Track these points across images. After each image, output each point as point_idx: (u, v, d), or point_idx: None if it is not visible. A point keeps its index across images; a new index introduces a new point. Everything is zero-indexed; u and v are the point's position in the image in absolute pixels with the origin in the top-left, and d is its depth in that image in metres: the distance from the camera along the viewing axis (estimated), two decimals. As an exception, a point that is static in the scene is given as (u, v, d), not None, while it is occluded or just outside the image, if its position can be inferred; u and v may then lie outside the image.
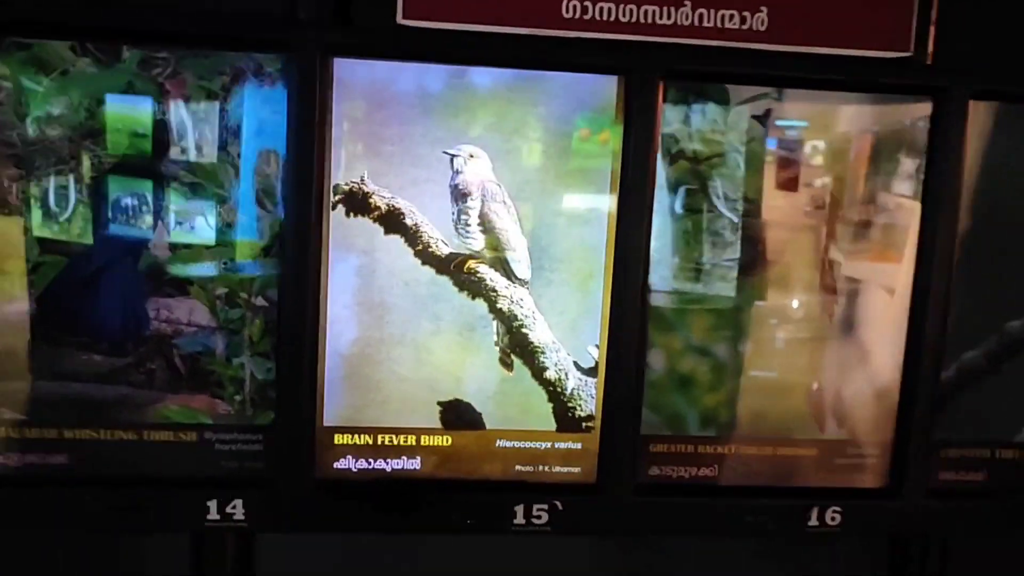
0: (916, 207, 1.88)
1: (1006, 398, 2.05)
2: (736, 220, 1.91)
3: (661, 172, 1.85)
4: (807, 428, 1.98)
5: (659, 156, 1.81)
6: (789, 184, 1.93)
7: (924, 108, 1.86)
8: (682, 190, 1.89)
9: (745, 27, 1.83)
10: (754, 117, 1.88)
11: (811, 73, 1.86)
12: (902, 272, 1.91)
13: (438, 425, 1.83)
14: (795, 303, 1.97)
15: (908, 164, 1.85)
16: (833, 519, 1.98)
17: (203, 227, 1.71)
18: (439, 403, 1.82)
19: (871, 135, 1.84)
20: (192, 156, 1.68)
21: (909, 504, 2.00)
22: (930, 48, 1.93)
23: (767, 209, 1.92)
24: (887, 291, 1.99)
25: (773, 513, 1.97)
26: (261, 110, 1.69)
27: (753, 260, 1.93)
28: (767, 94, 1.87)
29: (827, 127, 1.90)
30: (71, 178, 1.65)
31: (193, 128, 1.67)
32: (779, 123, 1.90)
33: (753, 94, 1.86)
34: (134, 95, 1.65)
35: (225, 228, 1.72)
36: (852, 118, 1.84)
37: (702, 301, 1.93)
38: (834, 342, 1.98)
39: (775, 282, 1.96)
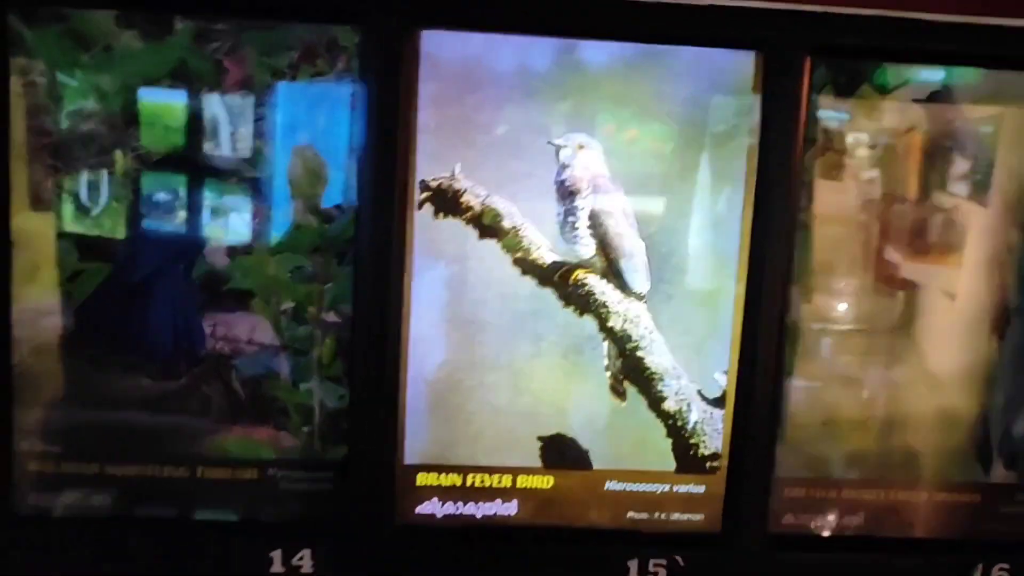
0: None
1: None
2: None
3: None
4: (969, 470, 1.78)
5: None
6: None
7: (973, 111, 1.66)
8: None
9: (911, -9, 1.60)
10: (915, 101, 1.67)
11: (989, 48, 1.61)
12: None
13: (538, 464, 1.67)
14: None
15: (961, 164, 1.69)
16: (999, 579, 1.76)
17: (239, 224, 1.57)
18: (539, 438, 1.67)
19: (921, 134, 1.67)
20: (238, 149, 1.56)
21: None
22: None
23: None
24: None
25: (929, 570, 1.75)
26: (335, 92, 1.56)
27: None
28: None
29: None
30: (104, 173, 1.54)
31: (245, 118, 1.55)
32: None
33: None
34: (172, 88, 1.53)
35: (293, 231, 1.59)
36: (898, 115, 1.66)
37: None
38: (1001, 366, 1.75)
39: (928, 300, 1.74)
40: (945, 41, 1.59)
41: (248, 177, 1.56)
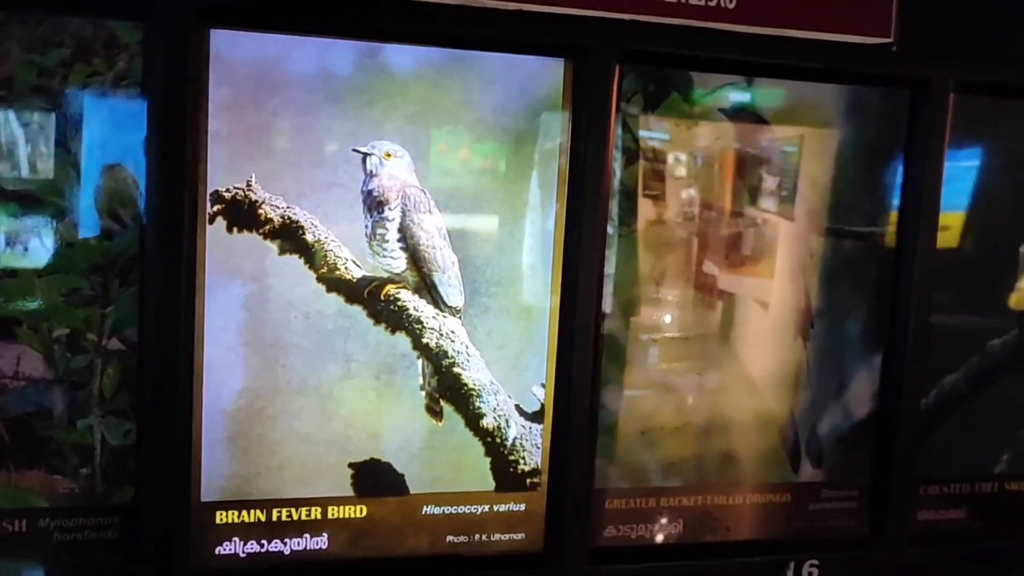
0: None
1: (985, 427, 1.94)
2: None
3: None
4: (780, 470, 1.84)
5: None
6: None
7: (779, 130, 1.75)
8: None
9: (712, 3, 1.62)
10: (721, 111, 1.73)
11: (784, 59, 1.69)
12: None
13: (350, 493, 1.61)
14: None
15: (770, 181, 1.77)
16: (811, 574, 1.81)
17: (38, 249, 1.45)
18: (350, 465, 1.60)
19: (733, 152, 1.74)
20: (24, 165, 1.44)
21: (892, 553, 1.86)
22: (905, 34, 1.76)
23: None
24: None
25: (745, 571, 1.80)
26: (111, 97, 1.46)
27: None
28: (734, 83, 1.73)
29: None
30: None
31: (23, 127, 1.43)
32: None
33: (719, 84, 1.72)
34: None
35: (65, 249, 1.45)
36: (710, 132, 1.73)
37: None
38: (806, 368, 1.83)
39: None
40: (751, 53, 1.64)
41: (44, 198, 1.44)
